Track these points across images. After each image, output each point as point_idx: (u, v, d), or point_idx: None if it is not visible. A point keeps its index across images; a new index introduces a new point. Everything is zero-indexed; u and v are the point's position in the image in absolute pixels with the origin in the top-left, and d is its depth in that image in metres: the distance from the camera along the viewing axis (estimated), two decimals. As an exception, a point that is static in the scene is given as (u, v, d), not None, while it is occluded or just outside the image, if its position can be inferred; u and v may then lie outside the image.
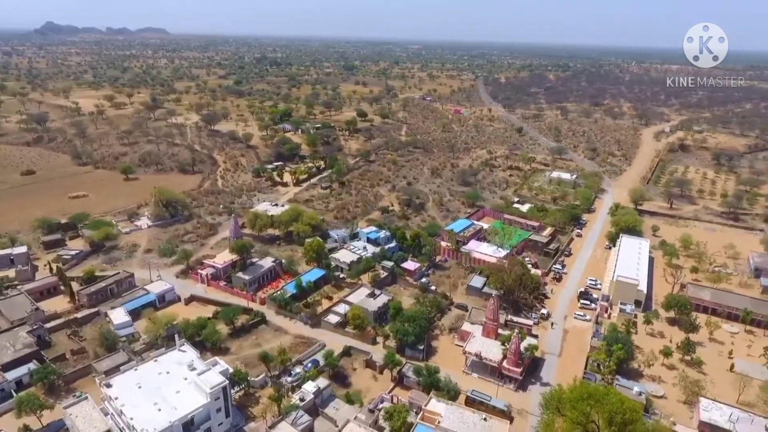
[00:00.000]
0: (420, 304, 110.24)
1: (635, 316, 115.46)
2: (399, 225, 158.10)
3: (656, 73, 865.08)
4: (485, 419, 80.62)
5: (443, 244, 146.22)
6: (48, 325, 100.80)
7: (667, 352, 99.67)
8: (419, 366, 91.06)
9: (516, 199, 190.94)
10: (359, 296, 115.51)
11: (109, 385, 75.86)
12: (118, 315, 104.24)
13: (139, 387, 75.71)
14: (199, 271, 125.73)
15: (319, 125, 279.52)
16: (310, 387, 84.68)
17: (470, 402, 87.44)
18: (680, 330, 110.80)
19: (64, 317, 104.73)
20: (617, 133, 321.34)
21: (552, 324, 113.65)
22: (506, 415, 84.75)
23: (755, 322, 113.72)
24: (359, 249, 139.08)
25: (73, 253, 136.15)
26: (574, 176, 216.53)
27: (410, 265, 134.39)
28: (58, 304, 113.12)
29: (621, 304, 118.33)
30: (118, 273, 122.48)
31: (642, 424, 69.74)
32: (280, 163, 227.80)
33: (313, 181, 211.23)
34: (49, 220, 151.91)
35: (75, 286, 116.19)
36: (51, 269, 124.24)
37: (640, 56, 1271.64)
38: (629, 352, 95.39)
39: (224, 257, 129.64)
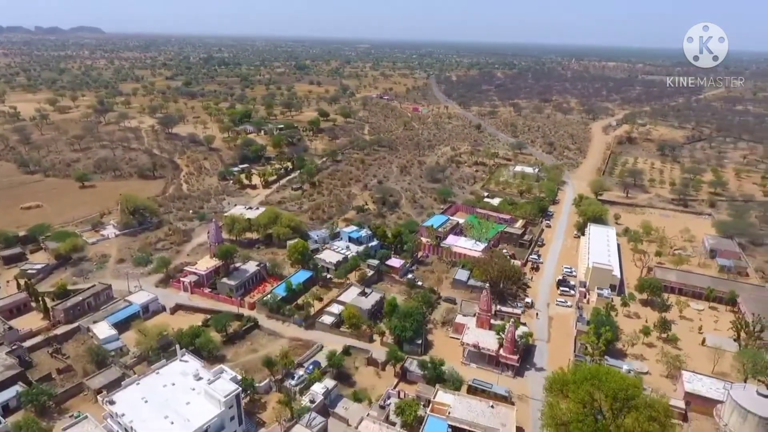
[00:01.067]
0: (414, 300, 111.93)
1: (612, 299, 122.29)
2: (377, 223, 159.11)
3: (594, 70, 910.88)
4: (492, 407, 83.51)
5: (424, 240, 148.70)
6: (25, 344, 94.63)
7: (646, 332, 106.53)
8: (424, 360, 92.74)
9: (485, 194, 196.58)
10: (351, 295, 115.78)
11: (112, 402, 72.68)
12: (102, 329, 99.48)
13: (146, 401, 73.01)
14: (181, 279, 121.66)
15: (282, 126, 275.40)
16: (318, 388, 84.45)
17: (472, 391, 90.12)
18: (653, 310, 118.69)
19: (43, 335, 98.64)
20: (569, 127, 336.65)
21: (537, 313, 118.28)
22: (508, 401, 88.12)
23: (717, 299, 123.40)
24: (342, 249, 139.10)
25: (38, 267, 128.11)
26: (537, 170, 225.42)
27: (395, 262, 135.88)
28: (31, 321, 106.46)
29: (598, 289, 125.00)
30: (94, 285, 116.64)
31: (642, 399, 74.51)
32: (245, 165, 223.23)
33: (282, 182, 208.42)
34: (5, 233, 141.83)
35: (47, 301, 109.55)
36: (18, 285, 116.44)
37: (579, 54, 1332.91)
38: (615, 333, 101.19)
39: (206, 263, 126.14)
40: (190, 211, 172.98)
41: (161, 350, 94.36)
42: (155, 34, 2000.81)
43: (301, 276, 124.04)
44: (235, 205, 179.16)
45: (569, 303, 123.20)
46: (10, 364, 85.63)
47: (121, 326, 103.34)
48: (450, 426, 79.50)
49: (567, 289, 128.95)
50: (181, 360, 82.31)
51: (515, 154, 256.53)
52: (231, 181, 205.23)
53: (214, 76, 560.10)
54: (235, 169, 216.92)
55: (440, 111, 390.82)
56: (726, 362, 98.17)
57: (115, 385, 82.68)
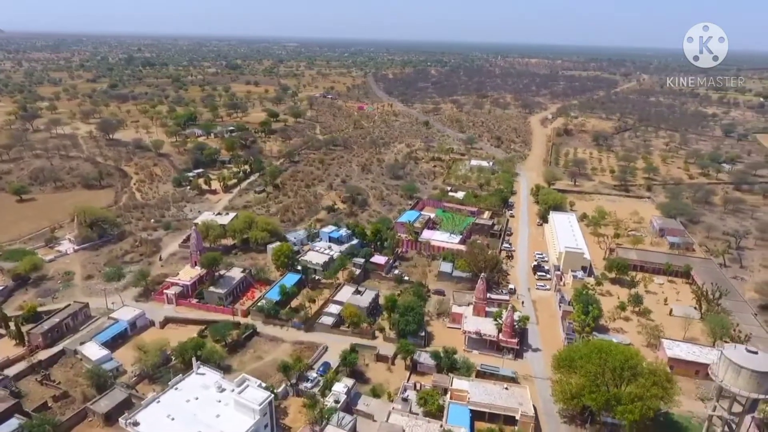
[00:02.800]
0: (407, 294, 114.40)
1: (585, 280, 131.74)
2: (352, 222, 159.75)
3: (519, 66, 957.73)
4: (506, 388, 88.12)
5: (402, 236, 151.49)
6: (8, 373, 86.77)
7: (622, 307, 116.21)
8: (437, 350, 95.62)
9: (449, 188, 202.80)
10: (346, 295, 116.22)
11: (136, 423, 69.10)
12: (92, 350, 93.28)
13: (172, 419, 70.13)
14: (164, 291, 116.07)
15: (232, 128, 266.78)
16: (340, 387, 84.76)
17: (481, 375, 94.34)
18: (622, 287, 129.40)
19: (27, 361, 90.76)
20: (509, 122, 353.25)
21: (522, 300, 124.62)
22: (515, 381, 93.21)
23: (674, 273, 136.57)
24: (324, 249, 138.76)
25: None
26: (491, 163, 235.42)
27: (379, 259, 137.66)
28: (3, 349, 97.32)
29: (572, 271, 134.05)
30: (69, 305, 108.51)
31: (643, 367, 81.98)
32: (200, 170, 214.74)
33: (243, 186, 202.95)
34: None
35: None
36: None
37: (500, 51, 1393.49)
38: (600, 310, 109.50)
39: (189, 273, 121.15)
40: (152, 221, 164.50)
41: (162, 365, 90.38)
42: (63, 33, 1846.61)
43: (290, 279, 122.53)
44: (199, 211, 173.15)
45: (548, 287, 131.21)
46: (3, 396, 78.35)
47: (110, 345, 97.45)
48: (470, 410, 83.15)
49: (543, 273, 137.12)
50: (197, 373, 79.44)
51: (468, 149, 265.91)
52: (188, 187, 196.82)
53: (140, 78, 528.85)
54: (190, 174, 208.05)
55: (385, 109, 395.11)
56: (694, 328, 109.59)
57: (123, 406, 78.46)
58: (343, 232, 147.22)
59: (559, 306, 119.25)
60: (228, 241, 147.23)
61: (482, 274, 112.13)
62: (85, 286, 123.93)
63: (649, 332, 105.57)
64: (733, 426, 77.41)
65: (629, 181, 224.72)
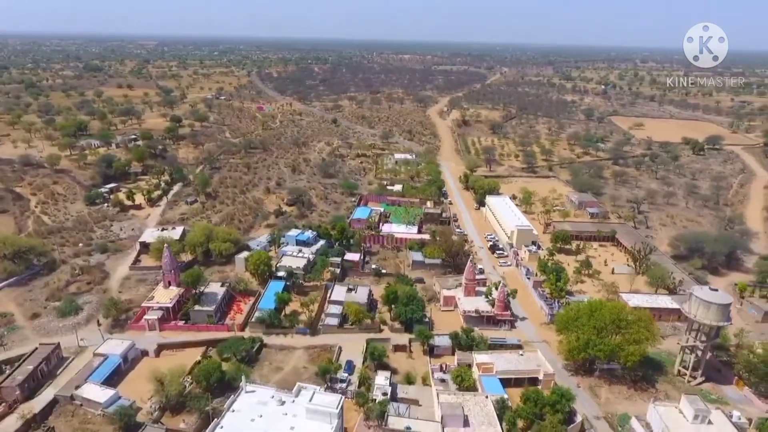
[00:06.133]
0: (403, 284, 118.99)
1: (538, 253, 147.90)
2: (311, 224, 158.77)
3: (395, 62, 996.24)
4: (521, 354, 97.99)
5: (366, 231, 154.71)
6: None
7: (578, 271, 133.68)
8: (456, 332, 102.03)
9: (386, 182, 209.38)
10: (341, 294, 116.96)
11: (211, 452, 65.06)
12: (95, 392, 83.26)
13: (244, 441, 67.16)
14: (145, 317, 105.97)
15: (134, 136, 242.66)
16: (382, 381, 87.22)
17: (491, 347, 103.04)
18: (567, 256, 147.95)
19: (20, 418, 77.86)
20: (411, 116, 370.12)
21: (489, 276, 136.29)
22: (521, 348, 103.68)
23: (602, 238, 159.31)
24: (296, 252, 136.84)
25: None
26: (413, 156, 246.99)
27: (353, 256, 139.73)
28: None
29: (525, 246, 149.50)
30: (36, 349, 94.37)
31: (630, 314, 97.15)
32: (113, 184, 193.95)
33: (169, 197, 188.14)
34: None
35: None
36: None
37: (378, 48, 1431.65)
38: (567, 277, 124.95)
39: (166, 295, 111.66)
40: (80, 245, 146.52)
41: (185, 393, 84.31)
42: None
43: (277, 286, 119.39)
44: (133, 229, 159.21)
45: (509, 263, 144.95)
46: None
47: (106, 384, 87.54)
48: (499, 379, 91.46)
49: (501, 251, 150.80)
50: (246, 391, 76.14)
51: (387, 144, 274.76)
52: (106, 205, 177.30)
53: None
54: (103, 190, 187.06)
55: (285, 108, 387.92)
56: (638, 281, 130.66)
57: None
58: (309, 233, 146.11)
59: (527, 278, 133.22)
60: (186, 257, 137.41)
61: (470, 257, 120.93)
62: (35, 326, 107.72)
63: (608, 289, 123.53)
64: (699, 352, 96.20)
65: (533, 163, 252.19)
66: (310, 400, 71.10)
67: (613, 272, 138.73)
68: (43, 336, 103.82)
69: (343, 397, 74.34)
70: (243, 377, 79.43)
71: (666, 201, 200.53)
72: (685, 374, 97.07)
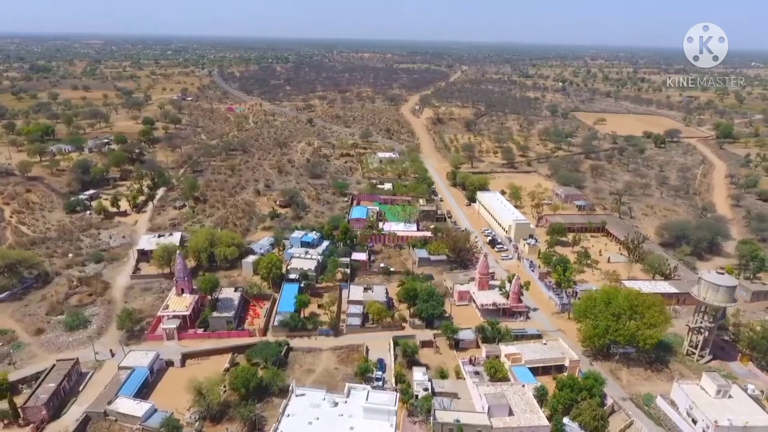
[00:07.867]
0: (417, 282, 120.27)
1: (537, 246, 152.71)
2: (303, 225, 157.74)
3: (356, 61, 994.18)
4: (545, 344, 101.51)
5: (370, 230, 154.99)
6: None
7: (580, 261, 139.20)
8: (483, 325, 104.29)
9: (375, 181, 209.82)
10: (358, 294, 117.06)
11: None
12: (130, 406, 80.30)
13: (308, 445, 66.80)
14: (163, 326, 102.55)
15: (107, 140, 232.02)
16: (420, 376, 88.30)
17: (514, 338, 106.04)
18: (564, 247, 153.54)
19: (55, 439, 74.13)
20: (385, 114, 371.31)
21: (495, 269, 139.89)
22: (541, 337, 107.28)
23: (594, 229, 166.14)
24: (302, 254, 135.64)
25: None
26: (397, 154, 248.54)
27: (360, 256, 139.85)
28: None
29: (523, 240, 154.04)
30: (54, 365, 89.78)
31: (643, 300, 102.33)
32: (92, 191, 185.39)
33: (155, 203, 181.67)
34: None
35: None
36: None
37: (335, 47, 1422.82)
38: (573, 268, 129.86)
39: (182, 303, 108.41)
40: (70, 255, 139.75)
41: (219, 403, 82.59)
42: None
43: (293, 289, 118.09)
44: (124, 236, 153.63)
45: (511, 256, 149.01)
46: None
47: (137, 397, 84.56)
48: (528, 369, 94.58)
49: (501, 245, 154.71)
50: (297, 395, 75.50)
51: (369, 143, 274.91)
52: (89, 212, 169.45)
53: None
54: (83, 197, 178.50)
55: (256, 109, 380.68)
56: (634, 269, 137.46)
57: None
58: (314, 235, 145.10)
59: (532, 270, 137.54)
60: (189, 263, 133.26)
61: (484, 252, 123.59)
62: (42, 342, 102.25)
63: (610, 277, 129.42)
64: (706, 333, 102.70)
65: (512, 159, 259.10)
66: (366, 400, 71.39)
67: (609, 261, 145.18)
68: (54, 352, 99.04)
69: (398, 394, 74.83)
70: (293, 381, 78.63)
71: (642, 192, 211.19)
72: (694, 353, 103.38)
